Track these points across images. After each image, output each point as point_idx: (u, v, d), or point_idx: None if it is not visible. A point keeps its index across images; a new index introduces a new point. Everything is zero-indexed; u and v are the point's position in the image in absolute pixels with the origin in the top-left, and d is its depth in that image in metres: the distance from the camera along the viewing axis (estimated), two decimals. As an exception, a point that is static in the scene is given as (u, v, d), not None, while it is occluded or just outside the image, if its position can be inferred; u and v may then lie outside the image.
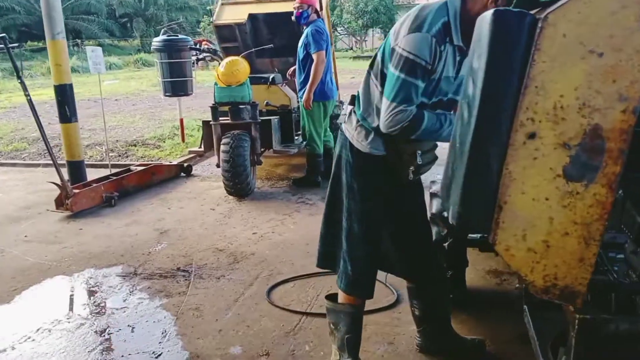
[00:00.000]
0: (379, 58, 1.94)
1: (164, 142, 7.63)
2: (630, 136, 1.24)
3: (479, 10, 1.69)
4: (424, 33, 1.77)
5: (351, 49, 34.66)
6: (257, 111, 4.93)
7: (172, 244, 3.93)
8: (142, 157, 6.86)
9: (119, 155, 7.00)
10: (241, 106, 4.88)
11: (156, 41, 7.09)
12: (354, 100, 2.06)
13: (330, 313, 2.26)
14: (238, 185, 4.78)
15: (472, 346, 2.43)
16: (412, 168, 1.98)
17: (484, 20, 1.36)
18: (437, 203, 2.60)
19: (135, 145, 7.46)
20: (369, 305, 2.45)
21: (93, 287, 3.29)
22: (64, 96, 4.95)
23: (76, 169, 5.13)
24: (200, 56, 6.49)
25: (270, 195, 5.09)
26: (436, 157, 2.07)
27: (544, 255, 1.38)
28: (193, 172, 5.96)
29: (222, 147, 4.75)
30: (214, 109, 4.92)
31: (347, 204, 2.09)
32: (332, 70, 5.13)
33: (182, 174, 5.87)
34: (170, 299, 3.09)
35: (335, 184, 2.16)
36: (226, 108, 4.89)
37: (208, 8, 35.09)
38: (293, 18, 4.94)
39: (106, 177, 5.10)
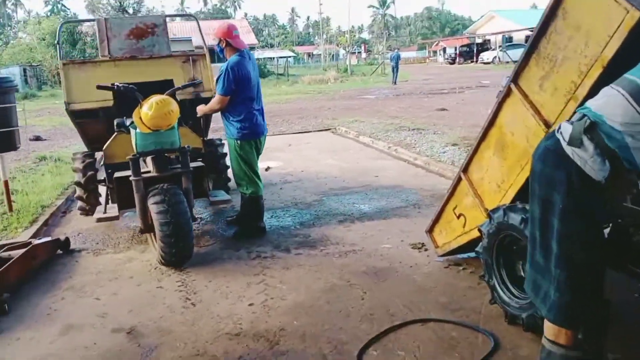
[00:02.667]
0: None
1: (-23, 214, 5.69)
2: None
3: None
4: None
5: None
6: (188, 158, 4.08)
7: (162, 344, 2.94)
8: (-38, 238, 4.97)
9: None
10: (169, 154, 3.99)
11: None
12: (591, 126, 1.87)
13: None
14: (182, 251, 3.87)
15: None
16: (630, 196, 1.98)
17: None
18: None
19: None
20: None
21: None
22: None
23: None
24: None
25: (209, 256, 4.25)
26: None
27: None
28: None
29: (155, 208, 3.78)
30: (135, 160, 3.88)
31: (565, 229, 1.97)
32: (262, 105, 4.60)
33: (59, 250, 4.46)
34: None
35: (544, 207, 2.02)
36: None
37: None
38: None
39: (-26, 275, 3.53)
